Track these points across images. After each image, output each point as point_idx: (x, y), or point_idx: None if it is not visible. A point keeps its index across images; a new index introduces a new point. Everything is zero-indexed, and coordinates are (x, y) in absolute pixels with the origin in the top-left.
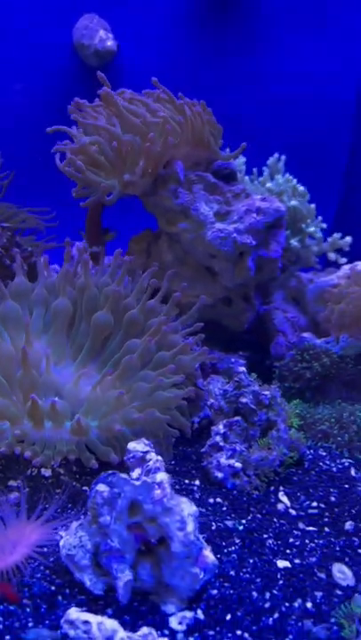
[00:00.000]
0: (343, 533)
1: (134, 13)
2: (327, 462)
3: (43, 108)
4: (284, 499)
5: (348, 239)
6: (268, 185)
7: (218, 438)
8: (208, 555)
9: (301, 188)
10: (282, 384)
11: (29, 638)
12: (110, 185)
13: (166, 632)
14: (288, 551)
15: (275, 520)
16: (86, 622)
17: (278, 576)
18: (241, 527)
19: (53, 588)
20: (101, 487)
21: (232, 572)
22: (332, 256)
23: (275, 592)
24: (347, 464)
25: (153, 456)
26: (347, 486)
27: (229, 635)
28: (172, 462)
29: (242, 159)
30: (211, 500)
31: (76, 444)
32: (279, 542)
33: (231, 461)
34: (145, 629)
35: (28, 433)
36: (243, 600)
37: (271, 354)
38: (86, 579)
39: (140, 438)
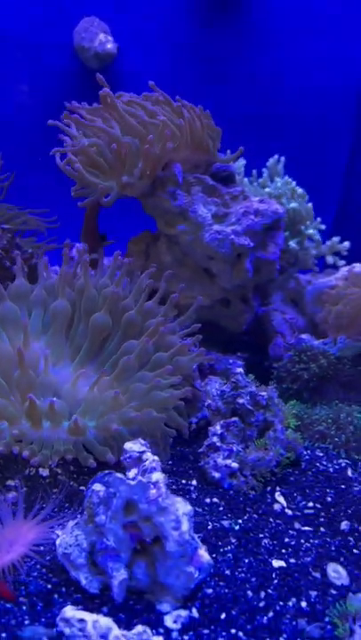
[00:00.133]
0: (339, 533)
1: (134, 16)
2: (324, 463)
3: (43, 110)
4: (281, 499)
5: (347, 244)
6: (268, 190)
7: (215, 439)
8: (203, 554)
9: (300, 190)
10: (279, 385)
11: (25, 636)
12: (108, 186)
13: (161, 630)
14: (284, 551)
15: (271, 520)
16: (82, 620)
17: (273, 575)
18: (237, 527)
19: (50, 586)
20: (97, 487)
21: (227, 572)
22: (330, 259)
23: (270, 591)
24: (343, 465)
25: (149, 456)
26: (343, 487)
27: (224, 633)
28: (170, 462)
29: (241, 161)
30: (207, 500)
31: (73, 444)
32: (275, 542)
33: (228, 461)
34: (140, 627)
35: (26, 433)
36: (238, 599)
37: (269, 355)
38: (82, 577)
39: (137, 438)
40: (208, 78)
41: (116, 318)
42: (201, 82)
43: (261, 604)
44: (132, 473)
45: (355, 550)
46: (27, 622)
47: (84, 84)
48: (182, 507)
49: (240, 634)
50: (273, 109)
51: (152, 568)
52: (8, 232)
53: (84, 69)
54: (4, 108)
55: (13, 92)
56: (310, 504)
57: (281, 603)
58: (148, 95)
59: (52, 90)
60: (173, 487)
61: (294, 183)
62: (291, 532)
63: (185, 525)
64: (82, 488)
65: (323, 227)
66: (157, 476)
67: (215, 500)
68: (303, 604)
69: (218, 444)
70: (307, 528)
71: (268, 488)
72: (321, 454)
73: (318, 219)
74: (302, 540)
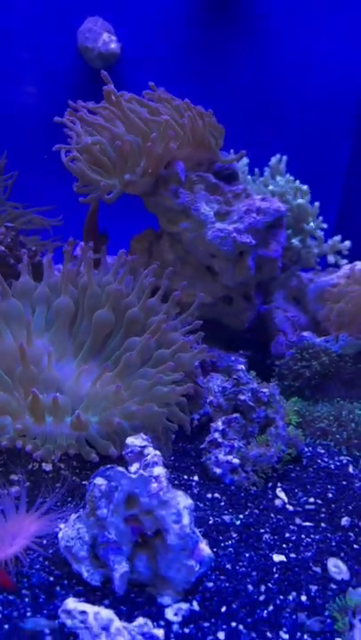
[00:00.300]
0: (339, 529)
1: (138, 16)
2: (325, 459)
3: (46, 109)
4: (282, 494)
5: (348, 243)
6: (271, 187)
7: (217, 435)
8: (204, 548)
9: (305, 187)
10: (281, 383)
11: (28, 627)
12: (111, 184)
13: (162, 623)
14: (284, 546)
15: (272, 515)
16: (83, 612)
17: (274, 570)
18: (238, 522)
19: (52, 578)
20: (99, 480)
21: (228, 566)
22: (331, 259)
23: (270, 585)
24: (345, 461)
25: (151, 451)
26: (344, 483)
27: (224, 626)
28: (172, 458)
29: (245, 160)
30: (209, 496)
31: (76, 439)
32: (276, 537)
33: (229, 457)
34: (141, 620)
35: (29, 427)
36: (238, 593)
37: (271, 353)
38: (84, 570)
39: (139, 433)
40: (210, 78)
41: (119, 315)
42: (202, 82)
43: (262, 598)
44: (133, 467)
45: (355, 546)
46: (29, 614)
47: (87, 84)
48: (183, 500)
49: (240, 627)
50: (274, 108)
51: (153, 561)
52: (12, 230)
53: (87, 69)
54: (8, 107)
55: (17, 92)
56: (311, 500)
57: (281, 597)
58: (149, 93)
59: (55, 90)
60: (175, 483)
61: (298, 181)
62: (292, 527)
63: (186, 519)
64: (84, 483)
65: (325, 225)
66: (159, 470)
67: (217, 495)
68: (303, 598)
69: (219, 440)
70: (308, 523)
71: (270, 484)
72: (322, 451)
73: (320, 218)
74: (303, 536)
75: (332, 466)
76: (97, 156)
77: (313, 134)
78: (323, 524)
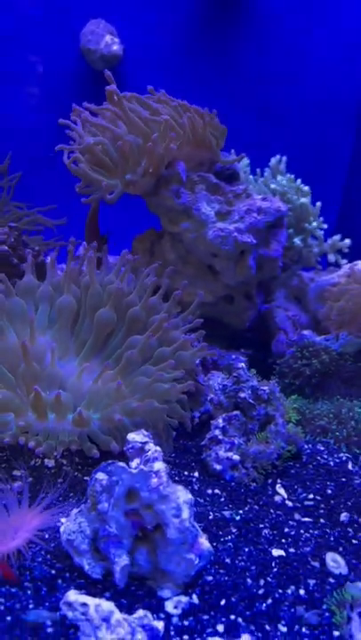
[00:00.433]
0: (338, 524)
1: (140, 18)
2: (325, 456)
3: (49, 111)
4: (282, 491)
5: (348, 241)
6: (273, 186)
7: (217, 432)
8: (204, 542)
9: (306, 188)
10: (282, 381)
11: (30, 619)
12: (112, 184)
13: (162, 615)
14: (283, 540)
15: (271, 511)
16: (84, 604)
17: (273, 564)
18: (238, 517)
19: (53, 571)
20: (100, 475)
21: (227, 560)
22: (331, 257)
23: (269, 579)
24: (344, 458)
25: (151, 446)
26: (344, 479)
27: (223, 619)
28: (173, 455)
29: (246, 160)
30: (209, 491)
31: (78, 435)
32: (275, 532)
33: (230, 454)
34: (141, 612)
35: (32, 424)
36: (237, 586)
37: (272, 351)
38: (85, 563)
39: (140, 429)
40: (211, 79)
41: (121, 314)
42: (203, 82)
43: (261, 592)
44: (134, 463)
45: (354, 541)
46: (31, 606)
47: (90, 86)
48: (183, 495)
49: (239, 620)
50: (275, 108)
51: (153, 555)
52: (15, 230)
53: (90, 71)
54: (11, 109)
55: (20, 94)
56: (311, 496)
57: (280, 590)
58: (149, 97)
59: (58, 92)
60: (176, 479)
61: (299, 181)
62: (291, 522)
63: (185, 513)
64: (86, 478)
65: (325, 225)
66: (159, 465)
67: (217, 491)
68: (302, 591)
69: (220, 436)
70: (307, 519)
71: (270, 480)
72: (322, 448)
73: (321, 218)
74: (302, 531)
75: (332, 463)
76: (99, 157)
77: (313, 134)
78: (322, 520)
